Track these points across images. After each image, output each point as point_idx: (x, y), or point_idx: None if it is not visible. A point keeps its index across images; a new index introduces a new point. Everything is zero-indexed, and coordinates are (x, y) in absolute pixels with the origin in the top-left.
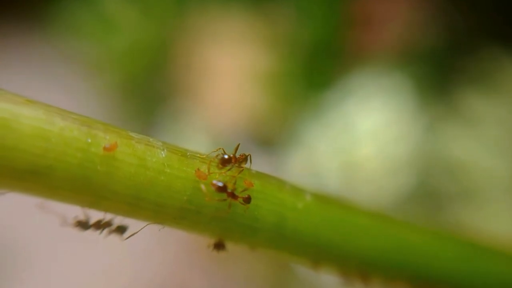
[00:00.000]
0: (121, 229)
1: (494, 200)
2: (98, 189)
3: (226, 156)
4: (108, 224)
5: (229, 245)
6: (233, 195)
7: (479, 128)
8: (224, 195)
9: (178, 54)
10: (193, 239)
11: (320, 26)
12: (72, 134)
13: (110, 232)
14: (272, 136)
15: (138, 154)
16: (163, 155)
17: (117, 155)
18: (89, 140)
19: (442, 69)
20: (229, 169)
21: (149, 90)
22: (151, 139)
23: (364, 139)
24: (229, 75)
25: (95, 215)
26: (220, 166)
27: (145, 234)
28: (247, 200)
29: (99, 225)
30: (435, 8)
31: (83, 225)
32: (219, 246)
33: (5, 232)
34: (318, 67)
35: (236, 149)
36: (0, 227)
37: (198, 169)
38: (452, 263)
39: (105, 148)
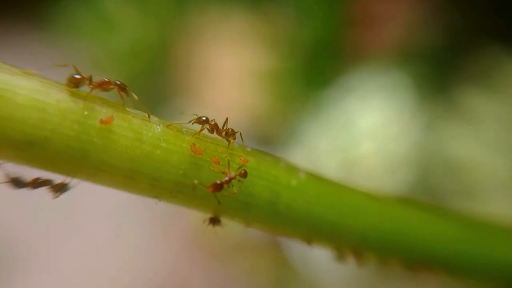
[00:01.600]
0: (61, 187)
1: (493, 197)
2: (95, 162)
3: (203, 118)
4: (46, 182)
5: (224, 220)
6: (230, 180)
7: (478, 127)
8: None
9: (178, 54)
10: (194, 237)
11: (320, 26)
12: (69, 106)
13: (50, 190)
14: (273, 134)
15: (134, 128)
16: (159, 130)
17: (113, 128)
18: (86, 113)
19: (441, 68)
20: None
21: (150, 90)
22: (146, 115)
23: (364, 137)
24: (229, 74)
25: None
26: (196, 122)
27: (146, 233)
28: (244, 175)
29: (37, 183)
30: (434, 7)
31: (18, 183)
32: (214, 221)
33: (5, 232)
34: (318, 66)
35: (225, 123)
36: (0, 227)
37: (194, 144)
38: (446, 243)
39: (101, 121)
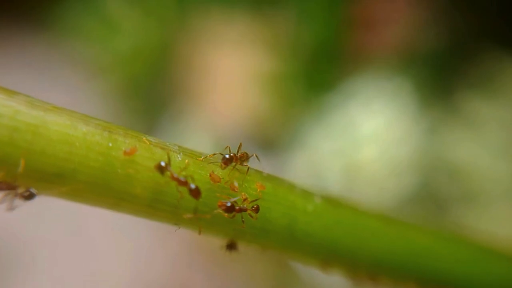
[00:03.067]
0: (27, 195)
1: (496, 202)
2: (118, 192)
3: (227, 156)
4: (10, 187)
5: (241, 246)
6: (241, 210)
7: (480, 131)
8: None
9: (180, 56)
10: (194, 240)
11: (322, 29)
12: (94, 138)
13: (14, 197)
14: (275, 138)
15: (156, 158)
16: (179, 159)
17: (136, 158)
18: (110, 145)
19: (443, 71)
20: (233, 168)
21: (152, 92)
22: (167, 143)
23: (366, 141)
24: (231, 77)
25: None
26: (223, 165)
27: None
28: (256, 210)
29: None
30: (436, 10)
31: None
32: (231, 246)
33: (7, 234)
34: (319, 69)
35: (239, 148)
36: (2, 229)
37: (213, 172)
38: (459, 265)
39: (125, 152)
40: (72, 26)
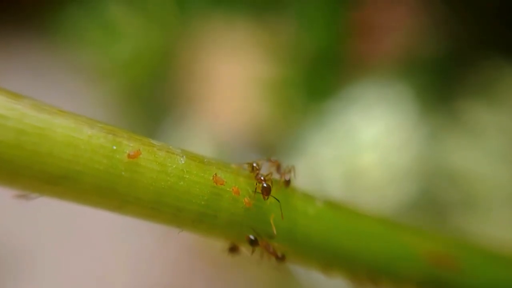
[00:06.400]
0: None
1: (496, 209)
2: (122, 194)
3: (265, 185)
4: None
5: (243, 249)
6: (267, 248)
7: (481, 137)
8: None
9: (181, 62)
10: (195, 245)
11: (322, 35)
12: (99, 141)
13: None
14: (275, 144)
15: (160, 161)
16: (182, 162)
17: (140, 161)
18: (115, 148)
19: (444, 78)
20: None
21: (152, 98)
22: (171, 147)
23: (366, 147)
24: (232, 83)
25: None
26: (265, 196)
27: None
28: (282, 259)
29: None
30: (437, 18)
31: None
32: (233, 249)
33: (8, 236)
34: (320, 75)
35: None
36: (4, 231)
37: (216, 175)
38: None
39: (129, 155)
40: (74, 31)
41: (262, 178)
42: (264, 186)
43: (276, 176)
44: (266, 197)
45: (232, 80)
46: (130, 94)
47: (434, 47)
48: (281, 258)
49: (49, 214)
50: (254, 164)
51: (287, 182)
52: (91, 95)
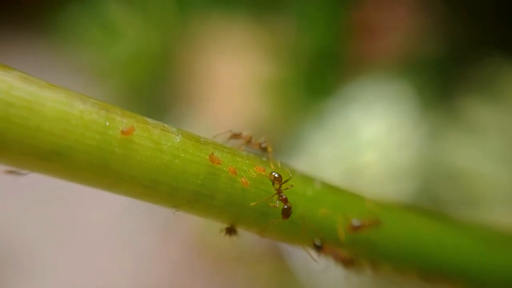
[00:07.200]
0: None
1: (497, 207)
2: (116, 171)
3: (277, 175)
4: None
5: (240, 231)
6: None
7: (481, 136)
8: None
9: (181, 62)
10: (195, 245)
11: (322, 34)
12: (91, 117)
13: None
14: (275, 143)
15: (154, 138)
16: (178, 140)
17: (134, 138)
18: (107, 124)
19: (444, 76)
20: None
21: (152, 98)
22: (166, 125)
23: (366, 146)
24: (232, 83)
25: None
26: (231, 138)
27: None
28: (350, 263)
29: None
30: (436, 16)
31: None
32: (231, 231)
33: (8, 236)
34: (320, 74)
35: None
36: (4, 231)
37: (212, 154)
38: (465, 254)
39: (122, 132)
40: (74, 31)
41: (284, 197)
42: (285, 208)
43: (252, 147)
44: (285, 218)
45: (232, 80)
46: (130, 94)
47: (434, 47)
48: (349, 263)
49: (49, 214)
50: (276, 175)
51: (264, 149)
52: (91, 94)
